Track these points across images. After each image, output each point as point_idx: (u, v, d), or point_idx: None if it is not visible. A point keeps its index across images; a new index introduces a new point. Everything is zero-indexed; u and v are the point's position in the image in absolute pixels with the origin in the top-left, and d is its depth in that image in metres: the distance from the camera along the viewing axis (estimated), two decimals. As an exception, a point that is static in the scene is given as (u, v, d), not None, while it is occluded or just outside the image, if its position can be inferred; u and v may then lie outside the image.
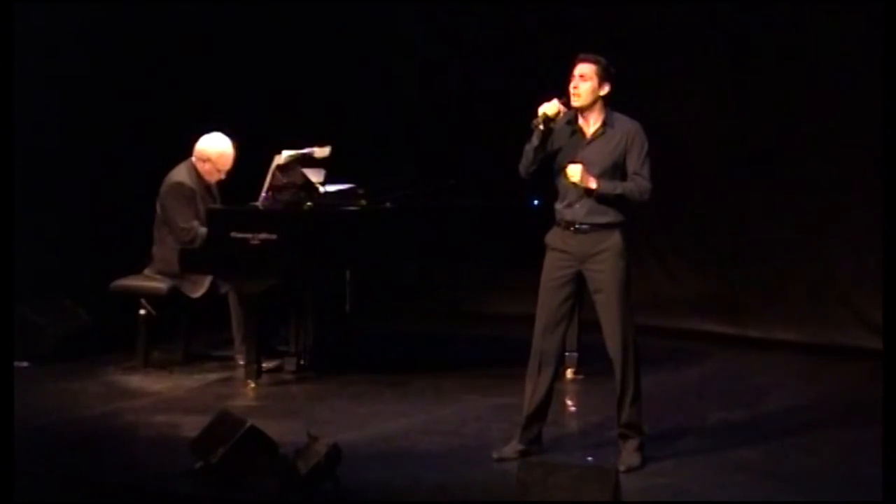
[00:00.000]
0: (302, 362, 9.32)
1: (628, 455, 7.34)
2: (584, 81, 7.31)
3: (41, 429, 8.05)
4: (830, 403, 8.76)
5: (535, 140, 7.34)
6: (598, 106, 7.36)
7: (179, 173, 9.31)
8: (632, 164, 7.32)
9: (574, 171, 7.27)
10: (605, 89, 7.34)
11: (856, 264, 10.08)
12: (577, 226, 7.35)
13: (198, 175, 9.34)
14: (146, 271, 9.40)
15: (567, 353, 8.45)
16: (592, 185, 7.27)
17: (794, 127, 10.27)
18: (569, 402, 8.62)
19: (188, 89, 10.22)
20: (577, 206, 7.35)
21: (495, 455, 7.47)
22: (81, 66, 10.08)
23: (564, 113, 7.38)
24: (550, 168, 7.45)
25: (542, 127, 7.33)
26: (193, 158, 9.35)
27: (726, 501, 6.93)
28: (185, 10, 10.43)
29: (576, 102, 7.34)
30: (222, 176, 9.39)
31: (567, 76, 7.35)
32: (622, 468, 7.10)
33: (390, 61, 11.39)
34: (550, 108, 7.32)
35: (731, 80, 10.52)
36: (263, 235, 8.75)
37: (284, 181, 9.08)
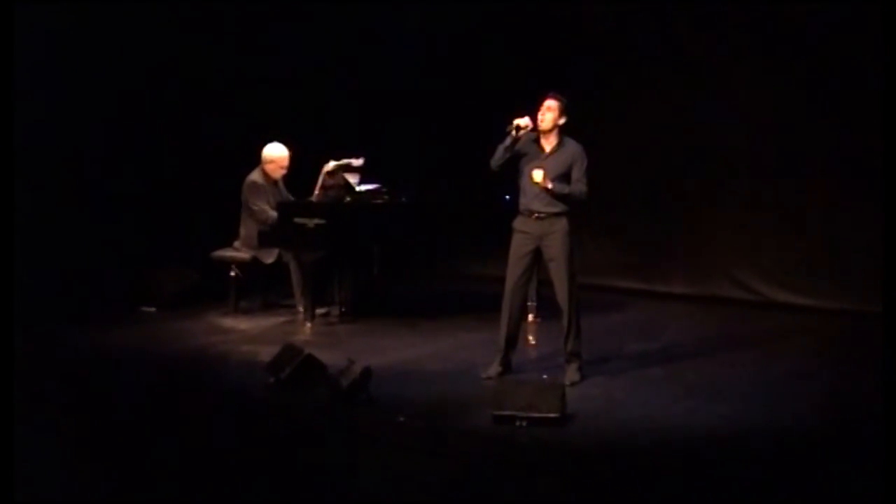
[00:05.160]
0: (343, 310, 9.25)
1: (572, 373, 7.43)
2: (550, 112, 7.31)
3: (164, 355, 8.14)
4: (710, 336, 8.75)
5: (507, 142, 7.31)
6: (556, 131, 7.38)
7: (254, 175, 9.22)
8: (575, 174, 7.39)
9: (538, 175, 7.32)
10: (563, 120, 7.37)
11: (730, 236, 9.85)
12: (536, 214, 7.38)
13: (266, 175, 9.21)
14: (235, 244, 9.34)
15: (528, 303, 8.37)
16: (549, 185, 7.33)
17: (685, 130, 9.87)
18: (530, 338, 8.48)
19: (261, 118, 9.97)
20: (537, 200, 7.39)
21: (483, 374, 7.49)
22: (174, 78, 9.96)
23: (532, 128, 7.33)
24: (515, 170, 7.40)
25: (513, 133, 7.29)
26: (262, 163, 9.24)
27: (642, 403, 7.02)
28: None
29: (541, 126, 7.34)
30: (284, 171, 9.23)
31: (537, 105, 7.33)
32: (567, 383, 7.18)
33: (402, 95, 10.87)
34: (522, 120, 7.31)
35: (624, 81, 10.01)
36: (317, 221, 8.69)
37: (331, 182, 9.06)
